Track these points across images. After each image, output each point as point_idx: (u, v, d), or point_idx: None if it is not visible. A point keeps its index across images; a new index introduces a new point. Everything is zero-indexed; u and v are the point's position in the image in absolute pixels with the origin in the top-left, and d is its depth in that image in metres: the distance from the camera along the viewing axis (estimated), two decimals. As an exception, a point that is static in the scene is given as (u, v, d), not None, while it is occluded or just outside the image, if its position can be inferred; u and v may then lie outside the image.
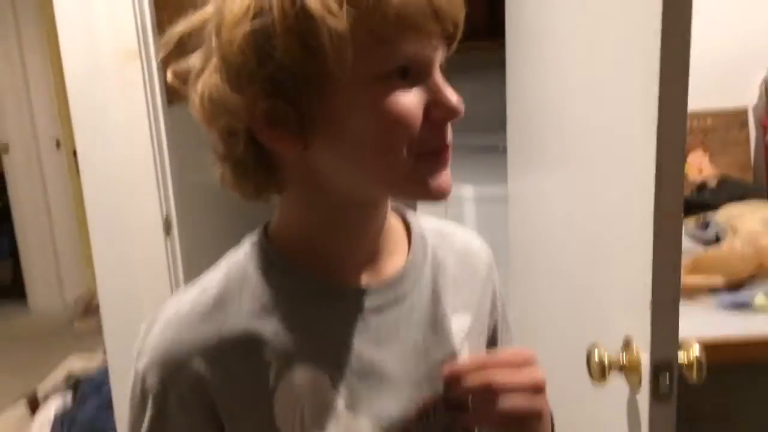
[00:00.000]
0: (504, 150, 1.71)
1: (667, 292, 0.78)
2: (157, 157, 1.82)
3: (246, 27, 0.56)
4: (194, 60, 0.62)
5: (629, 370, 0.83)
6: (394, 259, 0.70)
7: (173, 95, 0.66)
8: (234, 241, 0.70)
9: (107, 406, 2.10)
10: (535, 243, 1.48)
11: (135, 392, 0.65)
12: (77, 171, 1.84)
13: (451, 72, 0.63)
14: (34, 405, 2.72)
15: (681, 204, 0.77)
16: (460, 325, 0.72)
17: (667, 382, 0.78)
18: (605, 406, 0.95)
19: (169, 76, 0.64)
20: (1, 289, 4.29)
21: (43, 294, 4.13)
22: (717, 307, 1.16)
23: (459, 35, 0.61)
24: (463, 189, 1.98)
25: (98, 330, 2.00)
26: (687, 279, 1.17)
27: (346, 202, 0.65)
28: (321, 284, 0.66)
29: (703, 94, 1.53)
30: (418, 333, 0.69)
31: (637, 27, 0.78)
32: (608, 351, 0.84)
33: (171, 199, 1.87)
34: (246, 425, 0.65)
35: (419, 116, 0.59)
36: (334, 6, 0.54)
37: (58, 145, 3.98)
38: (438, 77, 0.61)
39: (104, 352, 2.08)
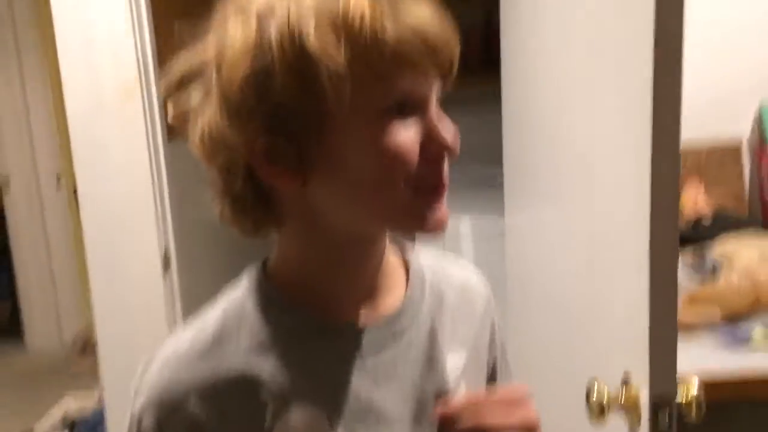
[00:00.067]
0: (501, 183, 1.72)
1: (664, 327, 0.78)
2: (157, 193, 1.83)
3: (246, 65, 0.57)
4: (194, 97, 0.63)
5: (628, 407, 0.82)
6: (393, 295, 0.70)
7: (173, 131, 0.67)
8: (233, 277, 0.70)
9: (103, 447, 2.07)
10: (532, 276, 1.48)
11: None
12: (77, 207, 1.85)
13: (447, 105, 0.64)
14: (30, 445, 2.69)
15: (677, 239, 0.77)
16: (455, 362, 0.72)
17: (667, 420, 0.78)
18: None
19: (170, 116, 0.65)
20: (-1, 327, 4.27)
21: (41, 333, 4.09)
22: (715, 342, 1.16)
23: (455, 72, 0.62)
24: (461, 222, 1.98)
25: (95, 368, 1.98)
26: (684, 314, 1.17)
27: (345, 239, 0.65)
28: (319, 321, 0.66)
29: (698, 127, 1.55)
30: (414, 370, 0.69)
31: (631, 60, 0.80)
32: (607, 386, 0.84)
33: (170, 235, 1.87)
34: (242, 465, 0.64)
35: (416, 152, 0.60)
36: (333, 45, 0.55)
37: (58, 180, 3.98)
38: (434, 113, 0.62)
39: (101, 391, 2.06)
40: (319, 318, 0.66)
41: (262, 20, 0.57)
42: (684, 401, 0.79)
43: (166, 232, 1.86)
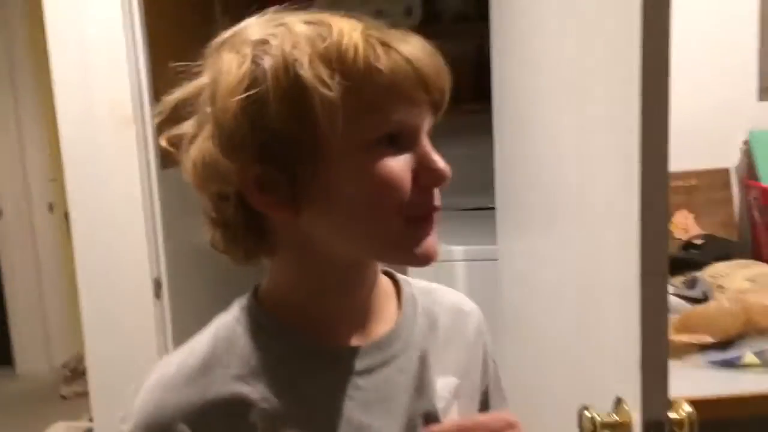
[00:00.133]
0: (493, 212, 1.73)
1: (656, 351, 0.78)
2: (149, 220, 1.83)
3: (241, 95, 0.57)
4: (188, 126, 0.64)
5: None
6: (384, 319, 0.70)
7: (167, 159, 0.68)
8: (225, 304, 0.71)
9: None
10: (525, 303, 1.48)
11: None
12: (69, 233, 1.85)
13: (439, 133, 0.65)
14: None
15: (666, 264, 0.78)
16: (444, 386, 0.72)
17: (659, 445, 0.78)
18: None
19: (163, 141, 0.66)
20: (-12, 353, 4.22)
21: (32, 358, 4.06)
22: (706, 366, 1.16)
23: (446, 103, 0.63)
24: (453, 250, 1.99)
25: (85, 395, 1.97)
26: (676, 337, 1.18)
27: (337, 265, 0.65)
28: (311, 346, 0.66)
29: (687, 156, 1.56)
30: (406, 394, 0.69)
31: (620, 88, 0.81)
32: (599, 412, 0.84)
33: (162, 262, 1.87)
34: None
35: (408, 181, 0.61)
36: (326, 76, 0.56)
37: (50, 208, 3.98)
38: (425, 143, 0.62)
39: (90, 419, 2.04)
40: (310, 342, 0.66)
41: (257, 50, 0.58)
42: (676, 425, 0.79)
43: (158, 259, 1.86)
